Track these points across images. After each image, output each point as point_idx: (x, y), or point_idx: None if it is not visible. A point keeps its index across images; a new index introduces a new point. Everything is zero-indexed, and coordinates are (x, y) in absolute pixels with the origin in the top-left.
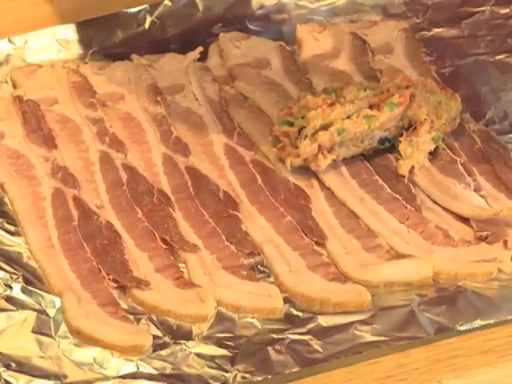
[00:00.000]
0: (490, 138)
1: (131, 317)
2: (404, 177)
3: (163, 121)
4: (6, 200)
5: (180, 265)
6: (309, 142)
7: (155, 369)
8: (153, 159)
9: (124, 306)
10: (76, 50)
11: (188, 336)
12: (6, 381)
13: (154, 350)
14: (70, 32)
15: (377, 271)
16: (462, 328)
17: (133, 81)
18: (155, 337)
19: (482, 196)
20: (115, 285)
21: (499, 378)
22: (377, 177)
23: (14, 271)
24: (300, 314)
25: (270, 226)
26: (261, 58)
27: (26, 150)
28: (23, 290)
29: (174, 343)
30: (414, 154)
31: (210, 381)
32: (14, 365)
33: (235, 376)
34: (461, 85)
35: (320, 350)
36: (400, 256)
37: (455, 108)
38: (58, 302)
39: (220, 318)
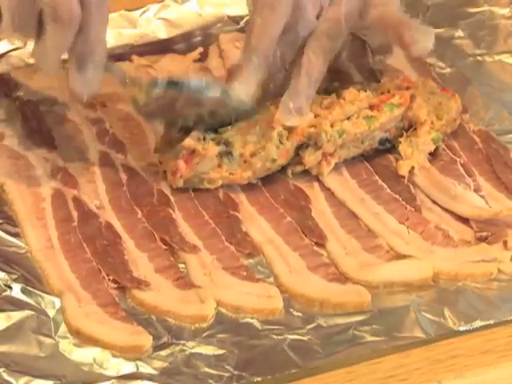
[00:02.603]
0: (489, 138)
1: (131, 317)
2: (404, 177)
3: None
4: (6, 201)
5: (180, 265)
6: (312, 150)
7: (155, 369)
8: (153, 160)
9: (124, 306)
10: None
11: (188, 336)
12: (5, 381)
13: (154, 351)
14: None
15: (377, 272)
16: (462, 328)
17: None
18: (155, 337)
19: (482, 196)
20: (115, 285)
21: (499, 379)
22: (377, 177)
23: (14, 271)
24: (300, 314)
25: (270, 226)
26: None
27: (25, 150)
28: (23, 291)
29: (174, 344)
30: (413, 155)
31: (210, 381)
32: (13, 365)
33: (235, 376)
34: (461, 85)
35: (320, 350)
36: (400, 256)
37: (455, 109)
38: (57, 302)
39: (220, 318)
